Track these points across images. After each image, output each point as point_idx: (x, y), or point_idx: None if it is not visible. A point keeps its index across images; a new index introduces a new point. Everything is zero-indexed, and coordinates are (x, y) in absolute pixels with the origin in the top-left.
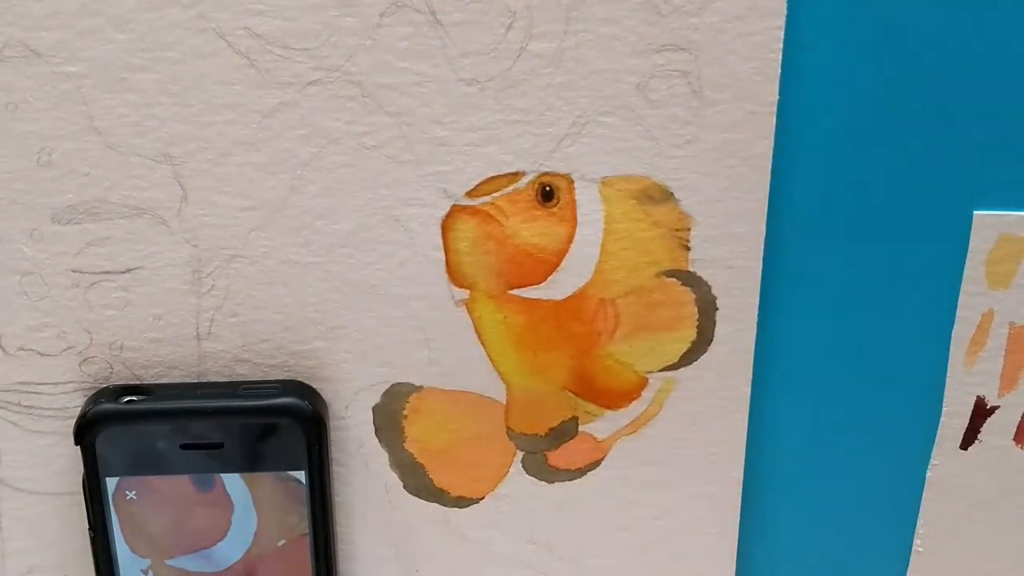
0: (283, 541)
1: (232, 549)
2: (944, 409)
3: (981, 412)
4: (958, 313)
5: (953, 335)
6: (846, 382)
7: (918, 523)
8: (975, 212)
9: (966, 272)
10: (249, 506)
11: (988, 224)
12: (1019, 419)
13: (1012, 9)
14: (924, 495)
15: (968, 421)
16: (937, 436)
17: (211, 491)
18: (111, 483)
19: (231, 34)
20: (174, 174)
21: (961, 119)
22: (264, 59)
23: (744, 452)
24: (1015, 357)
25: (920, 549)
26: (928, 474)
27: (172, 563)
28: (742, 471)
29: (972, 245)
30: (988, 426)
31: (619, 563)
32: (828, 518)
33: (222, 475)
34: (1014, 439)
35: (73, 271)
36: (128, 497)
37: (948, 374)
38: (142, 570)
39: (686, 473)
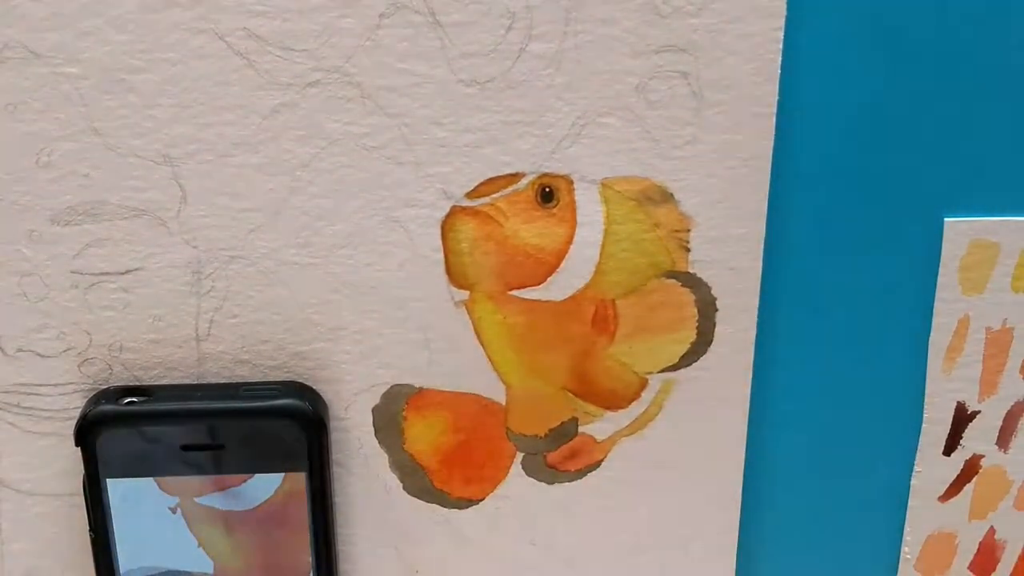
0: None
1: (260, 490)
2: (925, 416)
3: (962, 418)
4: (934, 320)
5: (930, 342)
6: (840, 384)
7: (905, 530)
8: (945, 219)
9: (940, 279)
10: None
11: (959, 231)
12: (1001, 423)
13: (987, 21)
14: (909, 502)
15: (950, 427)
16: (919, 443)
17: None
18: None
19: (231, 35)
20: (173, 175)
21: (930, 126)
22: (264, 60)
23: (744, 452)
24: (993, 362)
25: (908, 556)
26: (912, 481)
27: (201, 501)
28: (742, 471)
29: (944, 252)
30: (970, 431)
31: (619, 564)
32: (827, 520)
33: None
34: (996, 443)
35: (72, 272)
36: None
37: (927, 381)
38: (170, 508)
39: (686, 474)
